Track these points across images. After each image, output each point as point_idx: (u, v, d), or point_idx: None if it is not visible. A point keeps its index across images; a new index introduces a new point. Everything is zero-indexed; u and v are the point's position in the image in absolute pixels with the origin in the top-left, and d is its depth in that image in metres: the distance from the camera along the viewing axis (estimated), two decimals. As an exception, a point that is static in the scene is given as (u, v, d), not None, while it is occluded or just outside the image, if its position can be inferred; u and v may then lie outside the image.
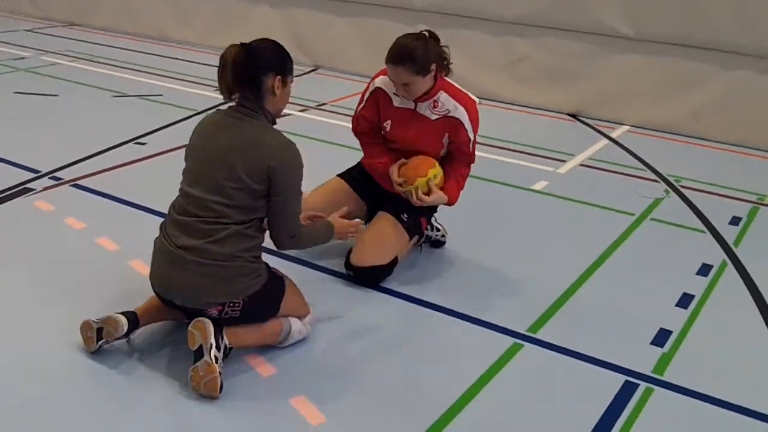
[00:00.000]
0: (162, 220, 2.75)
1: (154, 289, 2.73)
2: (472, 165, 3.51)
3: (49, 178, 4.45)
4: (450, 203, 3.43)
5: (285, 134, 2.66)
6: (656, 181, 4.94)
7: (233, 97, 2.64)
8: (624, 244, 3.94)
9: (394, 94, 3.37)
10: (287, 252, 3.52)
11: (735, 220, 4.33)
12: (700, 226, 4.23)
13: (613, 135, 5.97)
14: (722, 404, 2.67)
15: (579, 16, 6.18)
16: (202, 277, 2.57)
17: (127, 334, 2.72)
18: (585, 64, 6.31)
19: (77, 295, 3.10)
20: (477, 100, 3.39)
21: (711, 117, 5.93)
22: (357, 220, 3.36)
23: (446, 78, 3.35)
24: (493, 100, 6.69)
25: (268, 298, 2.72)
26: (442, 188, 3.37)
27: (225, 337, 2.60)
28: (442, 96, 3.30)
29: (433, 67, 3.20)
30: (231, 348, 2.65)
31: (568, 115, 6.47)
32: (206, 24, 8.45)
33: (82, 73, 7.13)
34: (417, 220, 3.46)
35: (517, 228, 4.12)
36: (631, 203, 4.49)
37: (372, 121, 3.47)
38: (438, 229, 3.75)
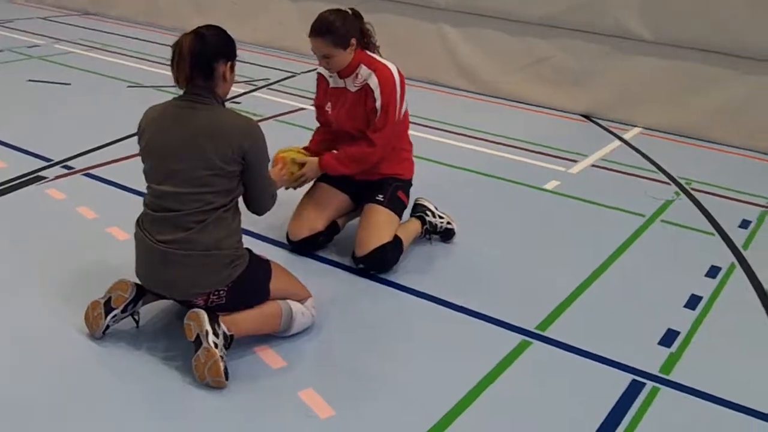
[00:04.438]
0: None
1: (141, 282, 2.78)
2: (379, 153, 3.45)
3: (62, 166, 4.48)
4: (323, 167, 3.45)
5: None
6: (667, 183, 4.94)
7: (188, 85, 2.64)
8: (634, 245, 3.94)
9: (330, 76, 3.51)
10: (290, 247, 3.54)
11: (744, 224, 4.32)
12: (710, 228, 4.23)
13: (626, 136, 5.95)
14: (728, 405, 2.68)
15: (597, 17, 6.15)
16: (185, 269, 2.61)
17: (134, 301, 2.77)
18: (601, 65, 6.28)
19: (87, 284, 3.12)
20: (393, 68, 3.44)
21: (727, 122, 5.89)
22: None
23: (371, 53, 3.47)
24: (508, 99, 6.68)
25: (252, 282, 2.75)
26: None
27: (222, 325, 2.62)
28: (362, 68, 3.42)
29: (353, 41, 3.35)
30: (232, 336, 2.65)
31: (581, 115, 6.46)
32: (224, 15, 8.44)
33: (95, 63, 7.17)
34: (393, 195, 3.54)
35: (528, 226, 4.13)
36: (641, 204, 4.49)
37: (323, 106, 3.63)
38: (441, 217, 3.76)
